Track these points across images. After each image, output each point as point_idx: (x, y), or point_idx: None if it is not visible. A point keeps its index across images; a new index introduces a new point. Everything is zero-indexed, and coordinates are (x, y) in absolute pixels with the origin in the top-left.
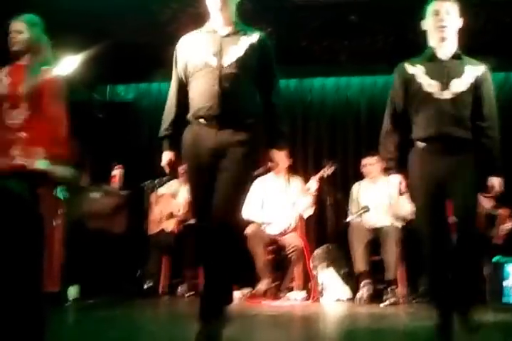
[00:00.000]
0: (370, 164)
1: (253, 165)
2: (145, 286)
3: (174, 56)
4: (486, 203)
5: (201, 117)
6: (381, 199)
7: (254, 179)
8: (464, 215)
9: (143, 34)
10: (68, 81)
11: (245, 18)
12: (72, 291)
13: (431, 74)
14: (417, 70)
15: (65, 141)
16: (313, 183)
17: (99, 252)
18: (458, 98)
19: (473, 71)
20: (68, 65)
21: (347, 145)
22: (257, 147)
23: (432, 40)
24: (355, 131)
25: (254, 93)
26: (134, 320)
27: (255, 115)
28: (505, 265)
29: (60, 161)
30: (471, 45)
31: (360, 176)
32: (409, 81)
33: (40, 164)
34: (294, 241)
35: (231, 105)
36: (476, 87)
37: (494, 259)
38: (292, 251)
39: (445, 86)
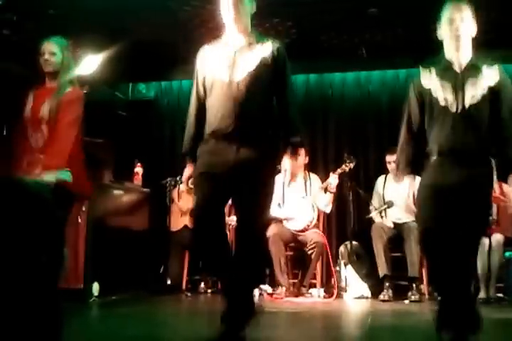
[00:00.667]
0: (395, 161)
1: (273, 178)
2: (168, 283)
3: (195, 70)
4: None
5: (218, 135)
6: (405, 196)
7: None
8: (467, 242)
9: (163, 32)
10: (90, 80)
11: (265, 13)
12: (96, 288)
13: (446, 87)
14: (432, 84)
15: (64, 154)
16: (334, 179)
17: (121, 249)
18: (473, 110)
19: (489, 78)
20: (90, 64)
21: (368, 140)
22: (275, 159)
23: (447, 49)
24: (376, 125)
25: (269, 105)
26: (156, 316)
27: (271, 123)
28: None
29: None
30: (482, 38)
31: (381, 171)
32: (425, 95)
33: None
34: (315, 237)
35: (247, 122)
36: (492, 96)
37: (506, 255)
38: (313, 247)
39: (460, 98)
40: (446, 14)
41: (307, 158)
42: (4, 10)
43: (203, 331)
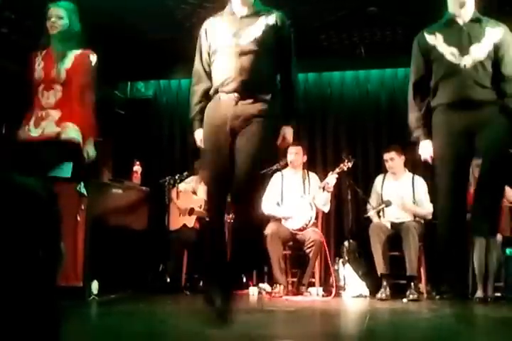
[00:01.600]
0: (391, 159)
1: (271, 138)
2: (167, 281)
3: (198, 40)
4: (510, 196)
5: (221, 91)
6: (403, 196)
7: (272, 170)
8: (492, 161)
9: (162, 30)
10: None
11: (271, 8)
12: (95, 286)
13: (450, 41)
14: (437, 40)
15: (94, 124)
16: (332, 178)
17: (120, 247)
18: (478, 64)
19: (492, 36)
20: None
21: (367, 139)
22: (273, 121)
23: (451, 7)
24: (375, 124)
25: (271, 71)
26: (156, 314)
27: (272, 91)
28: None
29: (90, 141)
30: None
31: (380, 171)
32: (430, 51)
33: (73, 134)
34: (313, 235)
35: (249, 79)
36: (495, 51)
37: (507, 252)
38: (311, 246)
39: (465, 52)
40: None
41: (305, 157)
42: (3, 8)
43: (202, 329)
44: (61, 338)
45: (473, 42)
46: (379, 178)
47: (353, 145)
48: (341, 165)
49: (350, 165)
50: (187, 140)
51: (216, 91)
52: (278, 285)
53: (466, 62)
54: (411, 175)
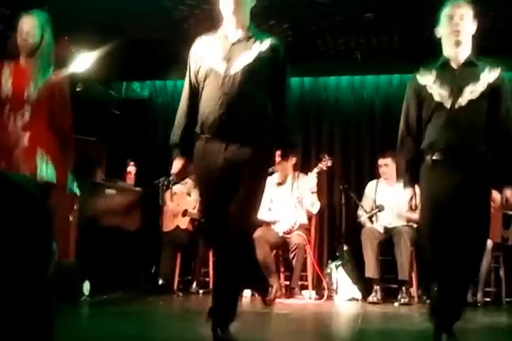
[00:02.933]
0: (386, 165)
1: (264, 177)
2: (159, 283)
3: (188, 61)
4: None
5: (208, 130)
6: (396, 202)
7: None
8: (472, 247)
9: (159, 31)
10: (84, 78)
11: (262, 15)
12: (86, 287)
13: (442, 83)
14: (428, 80)
15: (72, 145)
16: (313, 178)
17: (113, 248)
18: (470, 107)
19: (488, 77)
20: (84, 61)
21: (362, 144)
22: (266, 160)
23: (446, 47)
24: (369, 129)
25: (263, 102)
26: (147, 316)
27: (264, 126)
28: None
29: (64, 166)
30: (481, 45)
31: (374, 176)
32: (421, 92)
33: (49, 175)
34: (296, 239)
35: (236, 117)
36: (491, 94)
37: None
38: (294, 250)
39: (456, 94)
40: (445, 11)
41: (294, 159)
42: None
43: (193, 331)
44: (54, 337)
45: (466, 85)
46: (372, 184)
47: (347, 150)
48: (319, 164)
49: (329, 163)
50: None
51: (201, 131)
52: (270, 287)
53: (457, 105)
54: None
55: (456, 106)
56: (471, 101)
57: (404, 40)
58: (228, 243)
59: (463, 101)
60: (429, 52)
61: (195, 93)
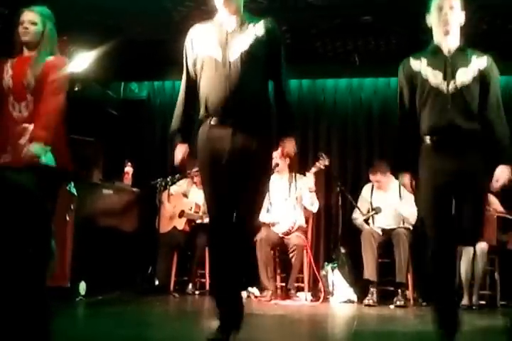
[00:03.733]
0: (378, 181)
1: (269, 170)
2: (155, 283)
3: (184, 50)
4: (497, 206)
5: (213, 116)
6: (392, 203)
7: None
8: (471, 224)
9: (157, 32)
10: (82, 78)
11: (260, 16)
12: (82, 287)
13: (435, 68)
14: (422, 66)
15: (51, 126)
16: (311, 177)
17: (109, 248)
18: (464, 90)
19: (478, 62)
20: (82, 61)
21: (359, 146)
22: (271, 145)
23: (436, 35)
24: (367, 131)
25: (263, 83)
26: (143, 316)
27: (266, 106)
28: None
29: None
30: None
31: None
32: (415, 77)
33: (48, 160)
34: (295, 240)
35: (241, 104)
36: (481, 78)
37: None
38: (293, 251)
39: (450, 77)
40: (435, 2)
41: (288, 159)
42: None
43: (189, 332)
44: (51, 336)
45: (458, 69)
46: (368, 187)
47: (345, 151)
48: (317, 163)
49: (326, 162)
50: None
51: (206, 116)
52: (266, 290)
53: (451, 88)
54: (398, 181)
55: (452, 89)
56: (464, 85)
57: (402, 43)
58: (234, 242)
59: (457, 84)
60: None
61: (193, 81)
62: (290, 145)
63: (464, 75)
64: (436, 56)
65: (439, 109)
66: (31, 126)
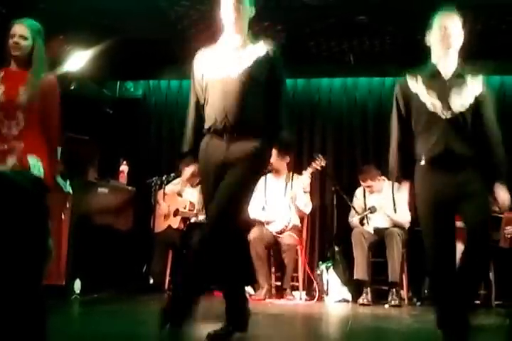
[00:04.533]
0: (369, 186)
1: (257, 174)
2: (150, 282)
3: (191, 71)
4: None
5: (213, 130)
6: (385, 204)
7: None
8: (479, 235)
9: (153, 31)
10: (78, 76)
11: (255, 17)
12: (77, 285)
13: (433, 93)
14: (418, 87)
15: (56, 142)
16: (306, 177)
17: (104, 247)
18: (460, 117)
19: (474, 88)
20: (78, 60)
21: (354, 145)
22: (263, 159)
23: (435, 56)
24: (362, 131)
25: (261, 104)
26: (138, 315)
27: (262, 126)
28: None
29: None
30: (468, 49)
31: None
32: (411, 98)
33: (37, 171)
34: (288, 239)
35: (239, 118)
36: (477, 105)
37: None
38: (286, 250)
39: (447, 104)
40: (438, 21)
41: (288, 158)
42: None
43: (182, 331)
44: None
45: (454, 97)
46: (360, 190)
47: (340, 151)
48: (313, 164)
49: (323, 163)
50: (175, 141)
51: (207, 130)
52: (261, 288)
53: (448, 115)
54: (390, 183)
55: (449, 115)
56: (460, 111)
57: (397, 43)
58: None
59: (454, 110)
60: (421, 55)
61: (199, 101)
62: (283, 164)
63: (461, 101)
64: (434, 79)
65: (436, 133)
66: (22, 145)
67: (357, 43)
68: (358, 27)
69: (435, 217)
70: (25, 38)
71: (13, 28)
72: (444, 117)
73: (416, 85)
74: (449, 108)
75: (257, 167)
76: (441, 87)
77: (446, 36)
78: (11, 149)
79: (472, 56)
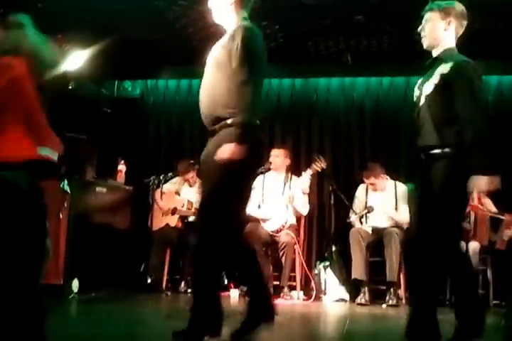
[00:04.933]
0: (372, 184)
1: (225, 177)
2: (148, 281)
3: None
4: (490, 207)
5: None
6: (385, 202)
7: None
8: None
9: (151, 31)
10: (76, 76)
11: (253, 15)
12: (75, 284)
13: (420, 82)
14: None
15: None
16: (306, 179)
17: (102, 246)
18: (429, 101)
19: (440, 70)
20: (76, 60)
21: (351, 144)
22: (230, 160)
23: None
24: (359, 131)
25: (225, 93)
26: (135, 314)
27: (226, 116)
28: None
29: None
30: (463, 48)
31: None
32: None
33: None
34: (285, 238)
35: (206, 110)
36: (444, 86)
37: None
38: (283, 249)
39: (421, 92)
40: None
41: (288, 160)
42: None
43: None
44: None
45: (427, 80)
46: (362, 186)
47: (337, 150)
48: (314, 165)
49: (323, 165)
50: (172, 140)
51: None
52: None
53: (421, 102)
54: (393, 182)
55: (422, 103)
56: (428, 95)
57: (394, 43)
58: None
59: (423, 97)
60: (419, 55)
61: None
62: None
63: (428, 88)
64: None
65: (415, 123)
66: None
67: (354, 43)
68: (355, 27)
69: (415, 208)
70: None
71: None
72: (418, 105)
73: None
74: (422, 94)
75: (220, 170)
76: (425, 74)
77: (421, 31)
78: None
79: (469, 56)
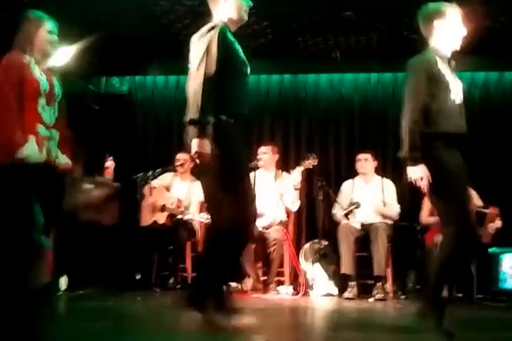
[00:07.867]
0: (366, 159)
1: (209, 170)
2: (137, 278)
3: None
4: (476, 201)
5: None
6: (373, 198)
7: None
8: None
9: (139, 26)
10: (63, 72)
11: None
12: (63, 282)
13: (451, 78)
14: (446, 73)
15: None
16: (297, 175)
17: (90, 243)
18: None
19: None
20: (63, 55)
21: (340, 141)
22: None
23: (449, 39)
24: (348, 127)
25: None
26: (124, 311)
27: (212, 109)
28: (500, 255)
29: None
30: (468, 45)
31: (352, 173)
32: (436, 78)
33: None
34: (274, 234)
35: (191, 107)
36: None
37: (490, 250)
38: (273, 245)
39: (455, 88)
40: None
41: (277, 156)
42: None
43: (170, 327)
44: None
45: (456, 82)
46: (348, 183)
47: (326, 146)
48: (306, 162)
49: (315, 162)
50: (161, 137)
51: None
52: (247, 277)
53: (458, 100)
54: (380, 178)
55: (459, 101)
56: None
57: (383, 39)
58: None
59: (461, 97)
60: (407, 51)
61: None
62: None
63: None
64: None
65: (455, 116)
66: (56, 129)
67: (343, 39)
68: (344, 23)
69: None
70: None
71: (48, 24)
72: (458, 102)
73: (442, 67)
74: (458, 92)
75: (202, 162)
76: (451, 72)
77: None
78: (52, 135)
79: (457, 52)
